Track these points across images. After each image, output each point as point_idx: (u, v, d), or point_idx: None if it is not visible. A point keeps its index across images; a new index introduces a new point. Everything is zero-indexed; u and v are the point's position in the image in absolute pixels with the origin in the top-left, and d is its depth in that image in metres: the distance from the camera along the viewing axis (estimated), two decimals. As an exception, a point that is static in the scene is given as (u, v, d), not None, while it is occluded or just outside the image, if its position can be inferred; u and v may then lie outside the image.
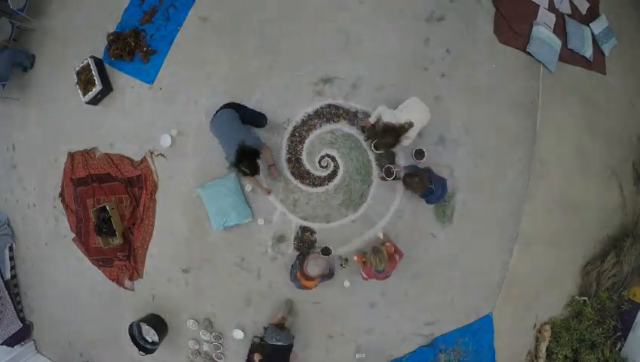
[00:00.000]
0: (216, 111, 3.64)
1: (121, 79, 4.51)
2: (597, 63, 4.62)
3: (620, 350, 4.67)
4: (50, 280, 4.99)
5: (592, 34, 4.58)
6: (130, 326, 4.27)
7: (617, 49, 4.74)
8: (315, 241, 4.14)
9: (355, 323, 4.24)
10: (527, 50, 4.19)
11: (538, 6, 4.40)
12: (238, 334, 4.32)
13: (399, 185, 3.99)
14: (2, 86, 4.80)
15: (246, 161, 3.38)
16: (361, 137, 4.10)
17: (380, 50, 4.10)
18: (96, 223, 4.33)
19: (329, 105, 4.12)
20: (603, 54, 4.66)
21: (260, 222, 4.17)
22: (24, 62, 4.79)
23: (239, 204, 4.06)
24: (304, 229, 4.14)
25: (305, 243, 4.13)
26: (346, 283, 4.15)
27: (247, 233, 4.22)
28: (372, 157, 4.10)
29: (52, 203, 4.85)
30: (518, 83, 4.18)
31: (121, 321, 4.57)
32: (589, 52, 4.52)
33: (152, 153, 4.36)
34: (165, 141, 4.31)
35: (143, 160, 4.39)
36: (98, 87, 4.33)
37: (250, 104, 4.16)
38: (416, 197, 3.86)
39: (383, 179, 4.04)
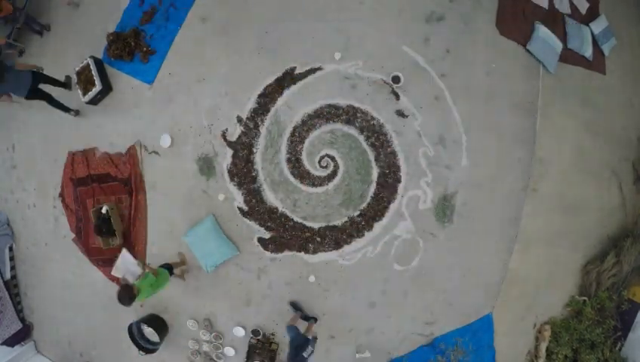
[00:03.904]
0: None
1: (120, 79, 4.51)
2: (597, 63, 4.62)
3: (619, 350, 4.67)
4: (50, 280, 4.99)
5: (592, 34, 4.58)
6: (130, 326, 4.27)
7: (617, 49, 4.74)
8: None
9: (355, 323, 4.24)
10: (528, 48, 4.19)
11: (541, 7, 4.41)
12: (239, 332, 4.33)
13: (400, 186, 4.01)
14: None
15: None
16: (361, 137, 4.10)
17: (379, 50, 4.10)
18: (96, 223, 4.33)
19: (328, 105, 4.12)
20: (603, 54, 4.66)
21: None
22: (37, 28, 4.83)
23: (221, 244, 4.15)
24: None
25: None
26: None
27: (247, 234, 4.23)
28: (372, 157, 4.10)
29: (52, 203, 4.85)
30: (518, 83, 4.18)
31: (121, 321, 4.57)
32: (588, 52, 4.51)
33: (145, 149, 4.36)
34: (165, 141, 4.32)
35: (130, 148, 4.39)
36: (98, 87, 4.34)
37: (250, 104, 4.17)
38: (416, 199, 3.85)
39: None
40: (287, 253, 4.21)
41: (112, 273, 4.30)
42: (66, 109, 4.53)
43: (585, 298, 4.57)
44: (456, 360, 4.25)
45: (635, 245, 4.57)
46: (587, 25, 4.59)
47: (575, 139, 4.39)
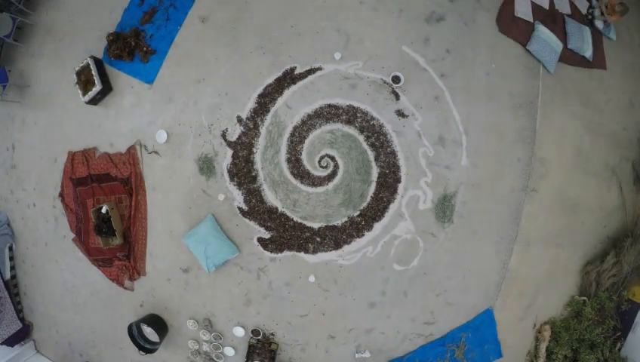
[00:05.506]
0: None
1: (120, 79, 4.51)
2: (597, 59, 4.61)
3: (619, 350, 4.68)
4: (50, 280, 4.99)
5: (597, 29, 4.57)
6: (130, 326, 4.27)
7: (617, 49, 4.74)
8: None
9: (355, 323, 4.24)
10: (527, 47, 4.19)
11: (541, 7, 4.41)
12: (239, 332, 4.33)
13: (400, 186, 4.00)
14: (3, 87, 4.80)
15: None
16: (361, 137, 4.10)
17: (379, 50, 4.10)
18: (96, 223, 4.33)
19: (328, 105, 4.12)
20: (603, 51, 4.65)
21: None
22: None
23: (222, 244, 4.14)
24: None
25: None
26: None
27: (247, 234, 4.23)
28: (372, 157, 4.10)
29: (52, 203, 4.85)
30: (518, 83, 4.18)
31: (121, 321, 4.58)
32: (589, 52, 4.51)
33: (145, 148, 4.37)
34: (161, 137, 4.31)
35: (130, 148, 4.39)
36: (98, 87, 4.33)
37: (250, 104, 4.18)
38: (416, 198, 3.85)
39: None
40: (287, 253, 4.21)
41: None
42: None
43: (585, 298, 4.57)
44: (462, 354, 4.24)
45: (635, 245, 4.58)
46: (587, 25, 4.60)
47: (575, 139, 4.39)
